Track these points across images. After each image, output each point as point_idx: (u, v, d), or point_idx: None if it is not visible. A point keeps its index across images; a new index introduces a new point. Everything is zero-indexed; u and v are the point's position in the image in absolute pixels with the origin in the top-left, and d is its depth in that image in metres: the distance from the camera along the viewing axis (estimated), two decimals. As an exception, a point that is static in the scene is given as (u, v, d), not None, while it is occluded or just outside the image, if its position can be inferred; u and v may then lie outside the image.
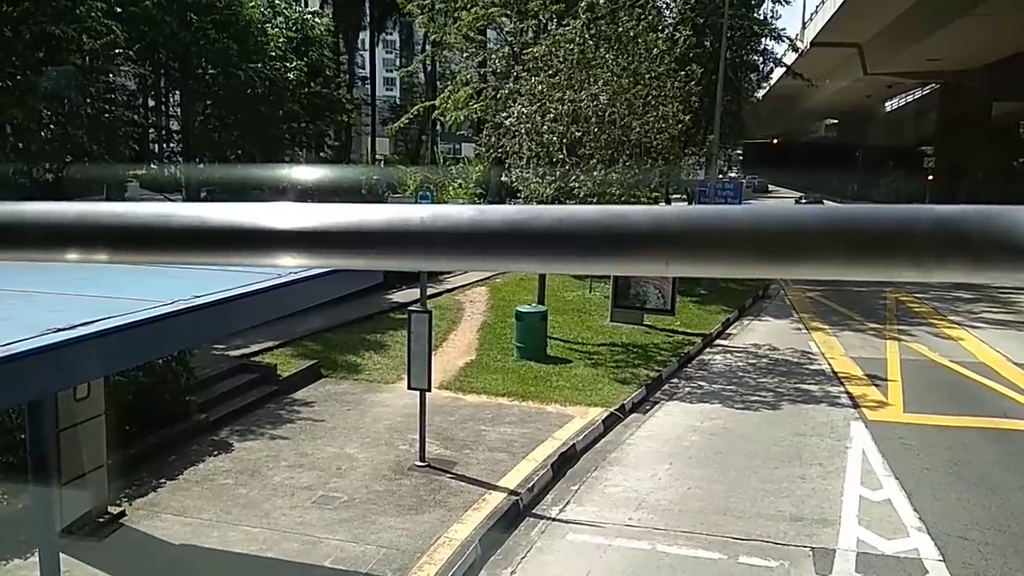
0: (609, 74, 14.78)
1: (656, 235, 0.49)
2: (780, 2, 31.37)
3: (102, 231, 0.57)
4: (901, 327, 17.58)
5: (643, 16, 15.81)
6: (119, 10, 18.46)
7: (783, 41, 30.23)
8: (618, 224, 0.50)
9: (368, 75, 50.77)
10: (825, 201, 59.23)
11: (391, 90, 67.82)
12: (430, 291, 14.33)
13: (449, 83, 28.13)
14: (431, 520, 7.72)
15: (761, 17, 29.45)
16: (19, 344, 3.72)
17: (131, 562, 7.11)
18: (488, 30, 24.11)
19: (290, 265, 0.56)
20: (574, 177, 14.47)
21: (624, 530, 7.77)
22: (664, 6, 23.82)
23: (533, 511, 8.21)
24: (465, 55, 25.80)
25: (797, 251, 0.47)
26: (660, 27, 17.60)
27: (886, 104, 61.88)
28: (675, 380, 13.37)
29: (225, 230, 0.55)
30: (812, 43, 41.53)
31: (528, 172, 15.15)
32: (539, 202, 14.27)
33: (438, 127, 40.05)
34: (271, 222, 0.54)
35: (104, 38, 15.49)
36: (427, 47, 33.20)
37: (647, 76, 15.19)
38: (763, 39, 29.22)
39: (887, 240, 0.46)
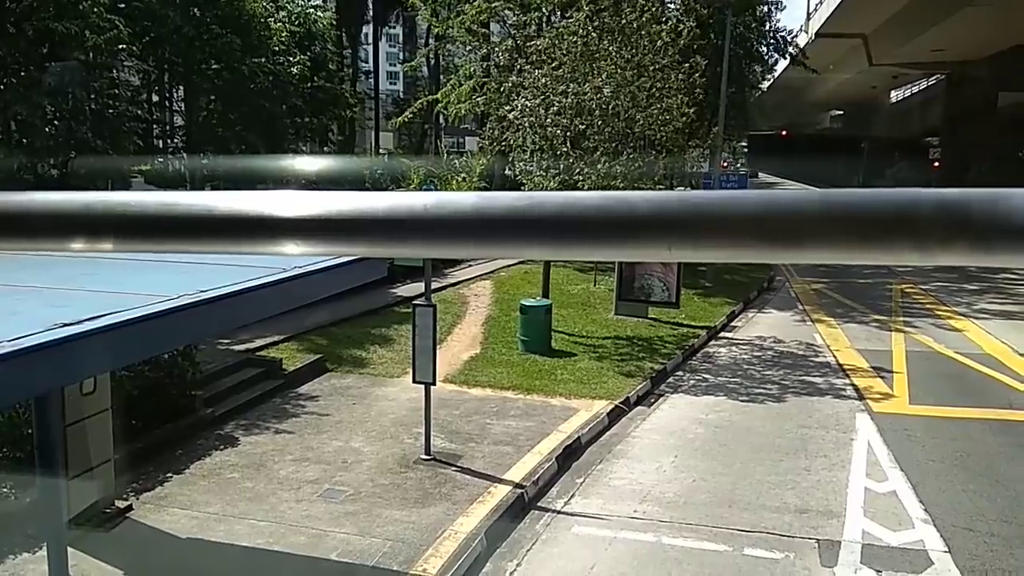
0: (612, 66, 14.73)
1: (658, 220, 0.49)
2: (777, 8, 31.11)
3: (108, 220, 0.57)
4: (906, 318, 17.54)
5: (646, 8, 15.74)
6: (122, 6, 18.46)
7: (782, 44, 30.13)
8: (621, 209, 0.50)
9: (371, 69, 50.69)
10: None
11: (394, 84, 67.68)
12: (434, 285, 14.34)
13: (453, 77, 28.09)
14: (436, 513, 7.74)
15: (764, 9, 29.35)
16: (26, 339, 3.74)
17: (138, 555, 7.15)
18: (491, 23, 24.07)
19: (295, 253, 0.56)
20: (578, 170, 14.44)
21: (629, 522, 7.78)
22: (668, -2, 23.75)
23: (538, 504, 8.23)
24: (468, 48, 25.81)
25: (800, 235, 0.47)
26: (664, 19, 17.53)
27: (891, 95, 61.62)
28: (680, 373, 13.36)
29: (229, 218, 0.55)
30: (817, 34, 41.33)
31: (532, 165, 15.12)
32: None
33: (441, 121, 39.98)
34: (275, 210, 0.54)
35: (107, 34, 15.49)
36: (430, 41, 33.16)
37: (651, 68, 15.12)
38: (764, 37, 29.11)
39: (890, 223, 0.46)
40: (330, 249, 0.55)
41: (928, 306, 19.36)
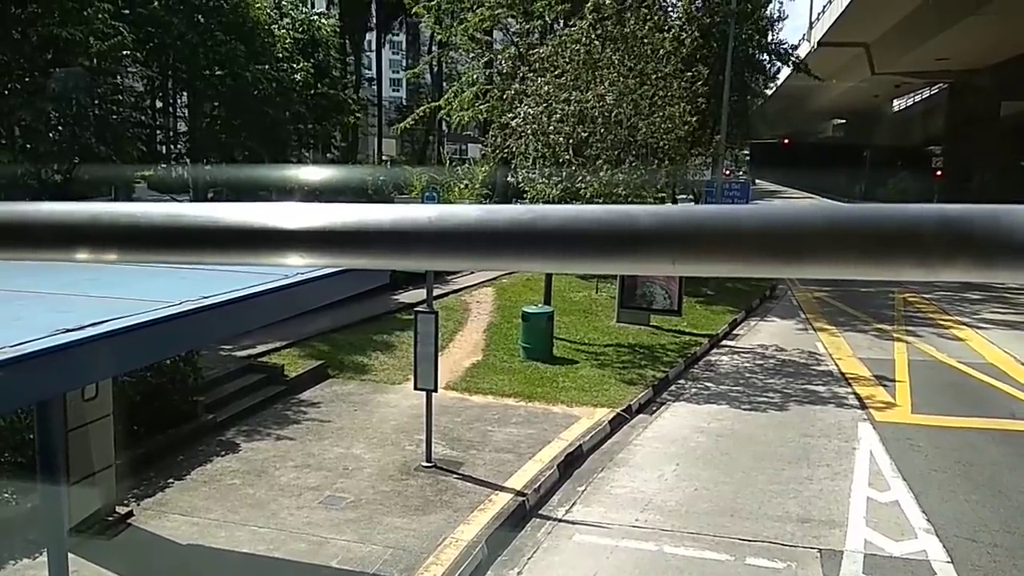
0: (615, 75, 14.77)
1: (662, 234, 0.49)
2: (779, 19, 31.22)
3: (113, 231, 0.57)
4: (909, 327, 17.51)
5: (649, 16, 15.78)
6: (126, 12, 18.52)
7: (784, 55, 30.18)
8: (625, 224, 0.50)
9: (374, 76, 50.84)
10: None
11: (397, 91, 67.82)
12: (436, 292, 14.35)
13: (455, 84, 28.17)
14: (437, 521, 7.73)
15: (767, 19, 29.44)
16: (28, 344, 3.75)
17: (139, 562, 7.14)
18: (494, 31, 24.13)
19: (299, 264, 0.56)
20: (580, 178, 14.46)
21: (631, 531, 7.76)
22: (670, 6, 23.80)
23: (539, 512, 8.21)
24: (471, 56, 25.87)
25: (803, 250, 0.48)
26: (666, 27, 17.58)
27: (894, 103, 61.66)
28: (682, 381, 13.34)
29: (234, 230, 0.55)
30: (819, 43, 41.42)
31: (534, 173, 15.14)
32: (545, 203, 14.25)
33: (444, 128, 40.10)
34: (280, 222, 0.54)
35: (111, 40, 15.52)
36: (434, 48, 33.25)
37: (653, 76, 15.15)
38: (765, 48, 29.17)
39: (893, 239, 0.46)
40: (335, 261, 0.56)
41: (931, 315, 19.32)
